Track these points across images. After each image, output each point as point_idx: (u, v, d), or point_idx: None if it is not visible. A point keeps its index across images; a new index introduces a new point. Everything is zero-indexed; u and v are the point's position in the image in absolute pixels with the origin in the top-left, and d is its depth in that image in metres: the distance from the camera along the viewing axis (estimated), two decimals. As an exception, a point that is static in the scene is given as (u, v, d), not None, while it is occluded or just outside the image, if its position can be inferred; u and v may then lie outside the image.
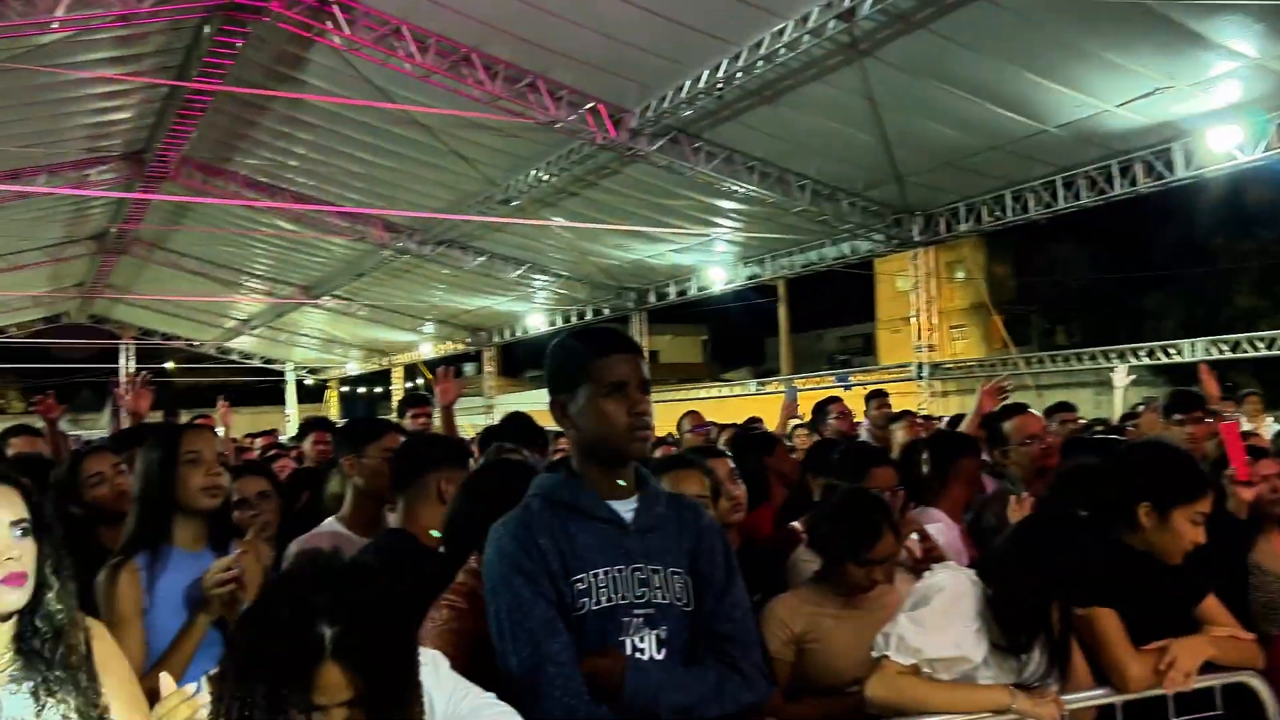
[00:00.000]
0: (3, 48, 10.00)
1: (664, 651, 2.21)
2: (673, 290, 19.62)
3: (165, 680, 1.67)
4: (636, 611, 2.20)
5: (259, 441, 9.04)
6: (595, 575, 2.19)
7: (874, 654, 2.67)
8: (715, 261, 18.00)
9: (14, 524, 1.99)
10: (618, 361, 2.23)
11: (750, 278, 18.03)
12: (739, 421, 7.84)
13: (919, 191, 13.51)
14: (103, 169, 15.61)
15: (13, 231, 18.19)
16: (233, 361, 33.51)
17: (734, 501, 3.59)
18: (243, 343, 31.84)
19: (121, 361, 31.00)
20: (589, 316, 21.66)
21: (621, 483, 2.28)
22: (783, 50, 9.72)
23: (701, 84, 10.67)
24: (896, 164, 12.35)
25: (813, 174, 13.13)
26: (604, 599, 2.19)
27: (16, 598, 1.97)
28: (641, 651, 2.19)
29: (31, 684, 1.98)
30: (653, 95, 11.34)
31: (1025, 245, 28.52)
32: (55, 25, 9.54)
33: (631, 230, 15.38)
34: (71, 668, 2.02)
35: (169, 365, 37.05)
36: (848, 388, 17.86)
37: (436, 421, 5.35)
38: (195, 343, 32.10)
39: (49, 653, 2.00)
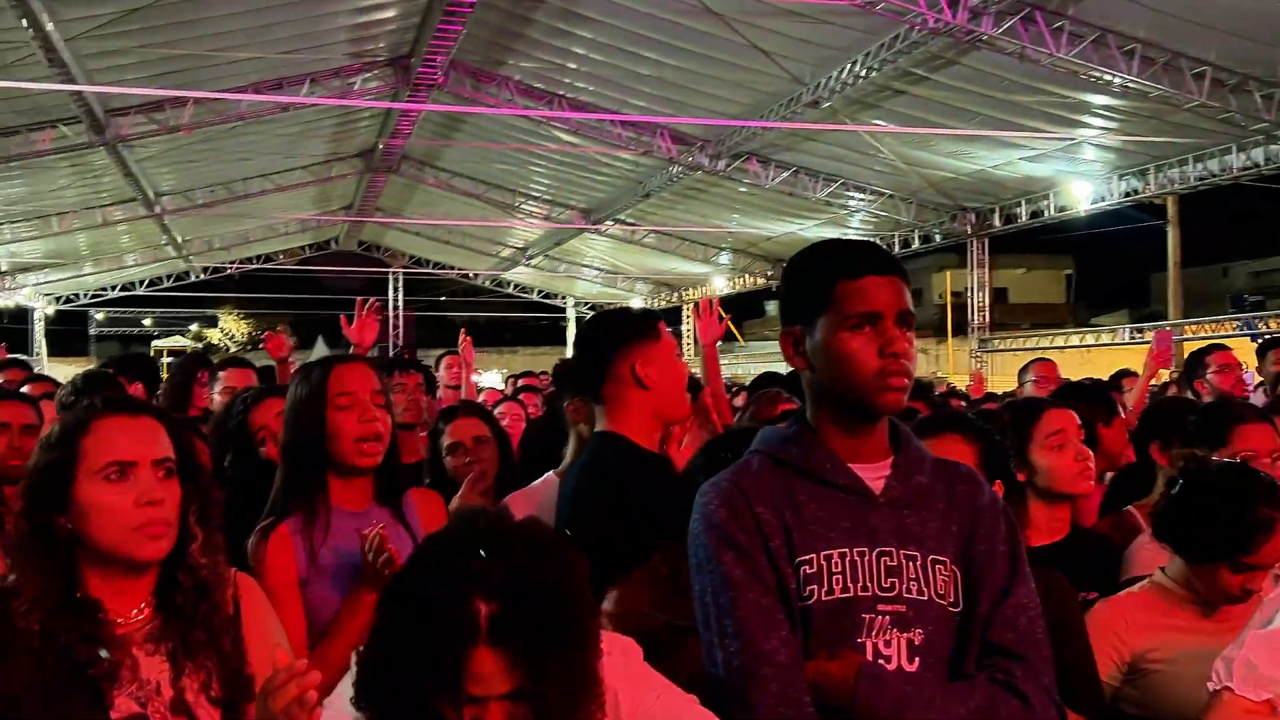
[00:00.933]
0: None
1: (916, 662, 2.02)
2: (1024, 211, 18.82)
3: (278, 656, 1.72)
4: (882, 608, 2.01)
5: (522, 382, 9.43)
6: (829, 557, 2.02)
7: (1211, 686, 2.37)
8: (1080, 174, 17.03)
9: (157, 463, 2.07)
10: (873, 285, 2.04)
11: (1127, 194, 16.92)
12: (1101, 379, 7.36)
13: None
14: (367, 76, 16.69)
15: (277, 148, 19.88)
16: (509, 295, 35.33)
17: (1083, 464, 3.26)
18: (520, 274, 33.46)
19: (389, 293, 33.37)
20: (915, 244, 21.12)
21: (870, 443, 2.10)
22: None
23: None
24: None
25: (1212, 57, 12.06)
26: (839, 588, 2.01)
27: (156, 549, 2.05)
28: (887, 660, 2.01)
29: (170, 645, 2.07)
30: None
31: None
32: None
33: (971, 135, 14.77)
34: (214, 629, 2.10)
35: (441, 299, 39.68)
36: (1256, 339, 16.42)
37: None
38: (469, 274, 34.06)
39: (190, 611, 2.08)
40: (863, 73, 13.45)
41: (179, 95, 14.32)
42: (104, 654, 1.99)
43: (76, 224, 22.30)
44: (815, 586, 2.01)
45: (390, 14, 15.03)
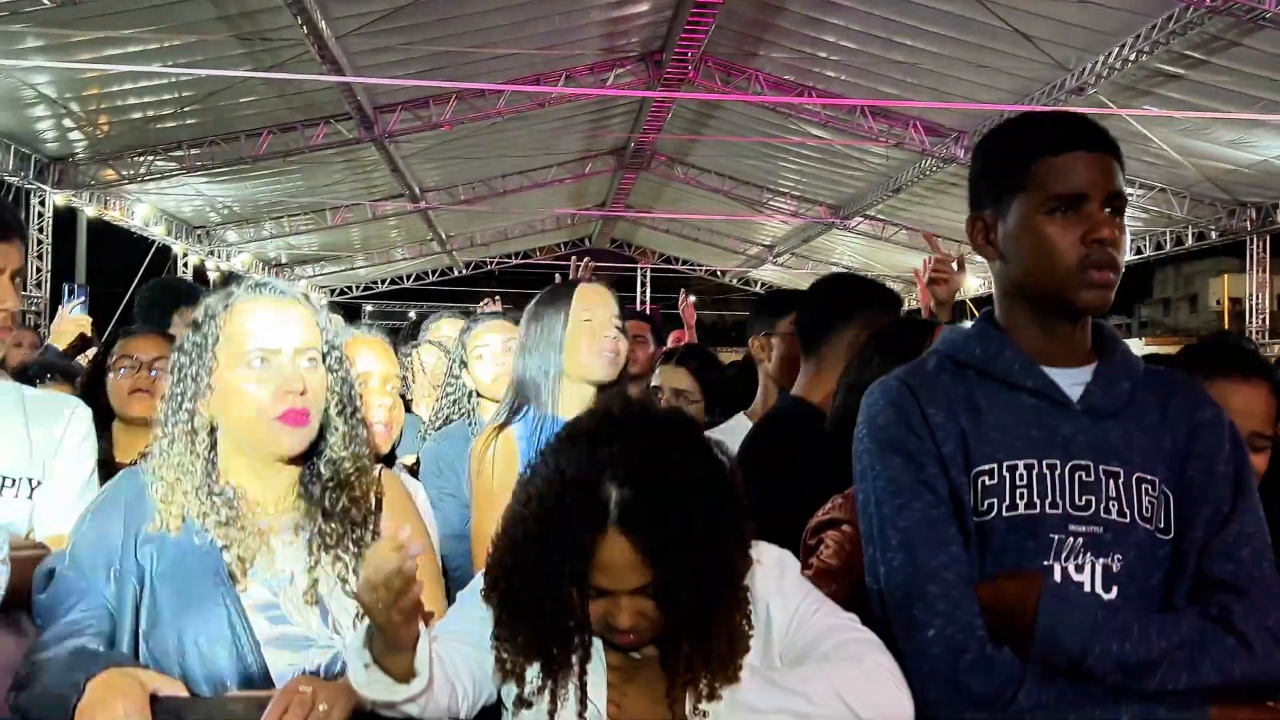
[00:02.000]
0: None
1: (1115, 591, 1.79)
2: (1312, 206, 17.39)
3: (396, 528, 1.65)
4: (1074, 528, 1.78)
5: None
6: (1012, 468, 1.80)
7: None
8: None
9: (300, 351, 2.03)
10: (1076, 163, 1.80)
11: None
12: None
13: None
14: (620, 72, 16.94)
15: (533, 145, 20.41)
16: (756, 294, 35.24)
17: None
18: (767, 273, 33.34)
19: (637, 289, 33.84)
20: (1189, 242, 19.90)
21: (1068, 344, 1.87)
22: None
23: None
24: None
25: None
26: (1023, 503, 1.79)
27: (296, 440, 2.02)
28: (1080, 586, 1.78)
29: (308, 536, 2.05)
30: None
31: None
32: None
33: (1254, 120, 13.73)
34: (354, 523, 2.07)
35: (691, 298, 39.94)
36: None
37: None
38: (716, 272, 34.16)
39: (329, 503, 2.06)
40: (1132, 56, 12.70)
41: (441, 87, 14.78)
42: (239, 539, 1.99)
43: (350, 218, 23.50)
44: (995, 500, 1.80)
45: (643, 8, 15.20)
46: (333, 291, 34.02)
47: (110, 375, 3.29)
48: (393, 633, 1.57)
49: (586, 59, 16.56)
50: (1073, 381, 1.87)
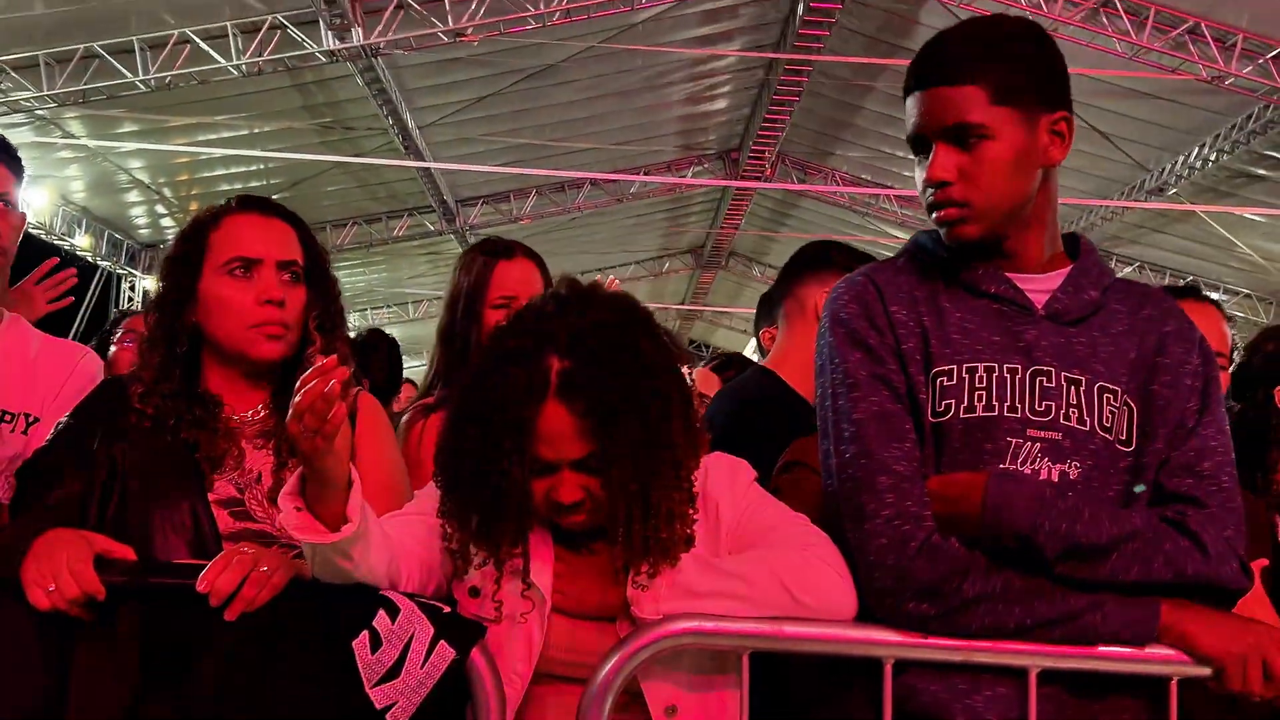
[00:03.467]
0: (598, 27, 11.42)
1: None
2: (1405, 315, 16.93)
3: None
4: (1033, 433, 1.77)
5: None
6: (972, 370, 1.79)
7: None
8: None
9: (282, 265, 2.11)
10: (915, 103, 1.84)
11: None
12: None
13: None
14: (698, 169, 17.17)
15: (611, 241, 20.67)
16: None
17: None
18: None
19: (716, 389, 33.82)
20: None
21: (1031, 251, 1.87)
22: None
23: None
24: None
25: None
26: (981, 405, 1.78)
27: (272, 349, 2.09)
28: None
29: (278, 441, 2.10)
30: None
31: None
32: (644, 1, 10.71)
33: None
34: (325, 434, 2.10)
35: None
36: None
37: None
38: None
39: None
40: (1213, 156, 12.60)
41: (522, 174, 15.08)
42: (211, 440, 2.05)
43: (431, 310, 23.87)
44: (953, 401, 1.79)
45: (721, 105, 15.45)
46: (415, 384, 34.50)
47: (114, 348, 3.41)
48: (320, 462, 1.59)
49: (665, 155, 16.81)
50: (1038, 287, 1.86)
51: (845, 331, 1.86)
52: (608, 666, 1.70)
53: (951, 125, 1.80)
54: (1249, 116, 11.72)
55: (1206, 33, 10.46)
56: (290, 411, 1.58)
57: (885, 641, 1.72)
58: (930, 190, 1.83)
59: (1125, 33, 10.49)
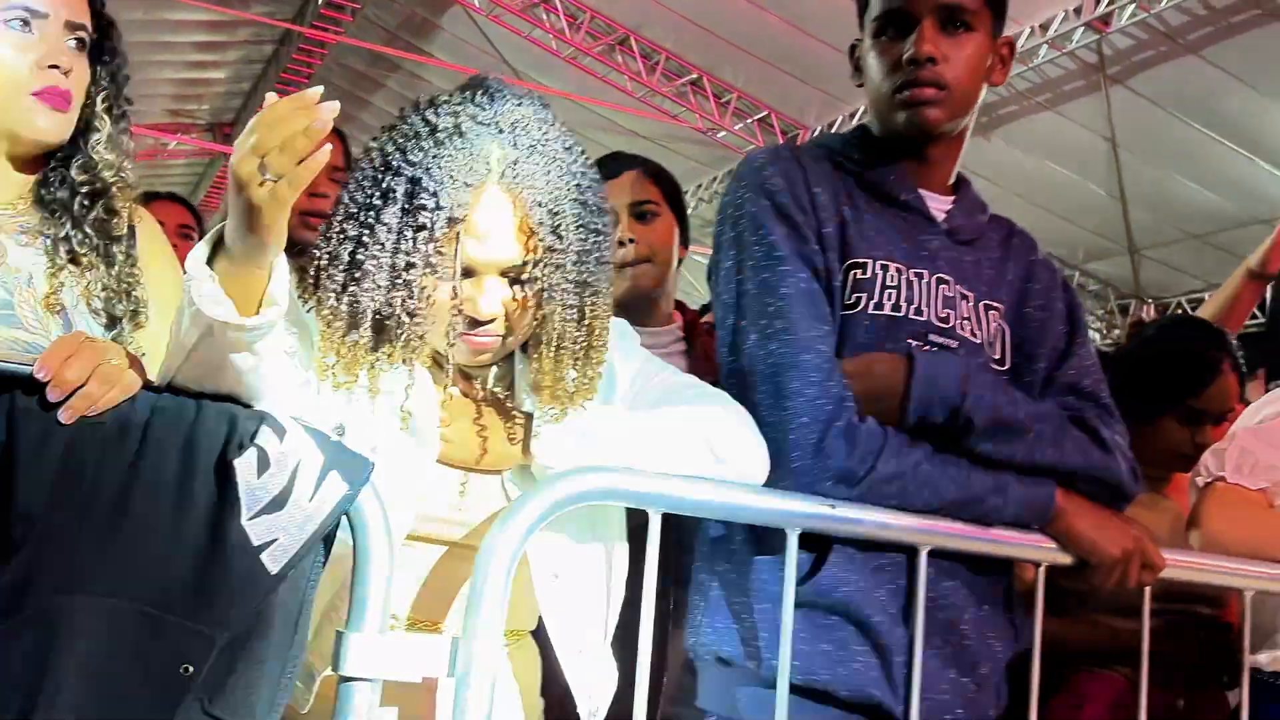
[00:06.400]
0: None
1: None
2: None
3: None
4: (933, 338, 1.82)
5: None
6: (884, 267, 1.81)
7: (1200, 480, 2.26)
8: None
9: (70, 26, 1.75)
10: None
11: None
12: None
13: (1156, 271, 12.93)
14: (184, 136, 16.09)
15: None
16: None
17: None
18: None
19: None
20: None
21: (935, 169, 1.92)
22: (1015, 65, 9.41)
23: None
24: (1133, 230, 11.84)
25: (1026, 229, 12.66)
26: (889, 303, 1.80)
27: (52, 123, 1.74)
28: None
29: (49, 240, 1.75)
30: (843, 109, 11.12)
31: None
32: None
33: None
34: (108, 237, 1.77)
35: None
36: None
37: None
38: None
39: (79, 209, 1.75)
40: (693, 205, 13.62)
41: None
42: None
43: None
44: (864, 295, 1.79)
45: (221, 74, 14.59)
46: None
47: None
48: (269, 218, 1.25)
49: (149, 118, 15.60)
50: (938, 206, 1.92)
51: (772, 205, 1.80)
52: (517, 521, 1.47)
53: (946, 4, 1.82)
54: (729, 172, 12.79)
55: (708, 86, 11.30)
56: (251, 143, 1.21)
57: (795, 508, 1.66)
58: (911, 68, 1.80)
59: (638, 74, 11.08)
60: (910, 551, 1.72)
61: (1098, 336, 14.30)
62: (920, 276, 1.84)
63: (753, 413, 1.69)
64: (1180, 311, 11.92)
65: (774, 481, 1.67)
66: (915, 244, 1.87)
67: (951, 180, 1.98)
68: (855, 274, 1.81)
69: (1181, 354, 2.71)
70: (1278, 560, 2.05)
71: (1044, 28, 9.08)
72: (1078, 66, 9.43)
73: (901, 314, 1.81)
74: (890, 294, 1.81)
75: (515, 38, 11.21)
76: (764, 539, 1.73)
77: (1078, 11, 8.84)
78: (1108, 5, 8.59)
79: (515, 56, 11.54)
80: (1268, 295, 3.57)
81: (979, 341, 1.87)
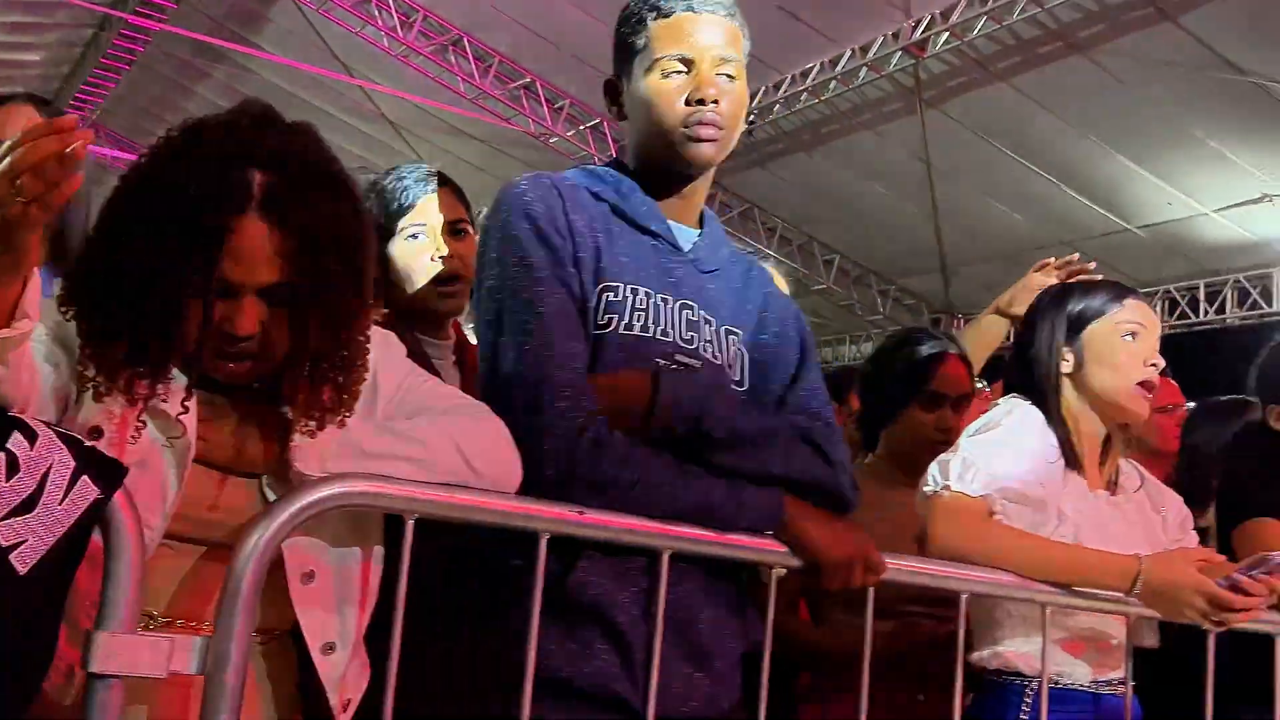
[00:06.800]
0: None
1: None
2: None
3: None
4: (679, 358, 1.96)
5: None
6: (635, 290, 1.95)
7: (928, 489, 2.40)
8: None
9: None
10: (687, 24, 1.96)
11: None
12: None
13: (967, 288, 13.47)
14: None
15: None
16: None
17: None
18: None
19: None
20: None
21: (684, 202, 2.07)
22: (834, 83, 9.75)
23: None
24: (945, 248, 12.34)
25: (842, 247, 13.09)
26: (639, 324, 1.94)
27: None
28: None
29: None
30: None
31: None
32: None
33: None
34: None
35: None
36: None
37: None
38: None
39: None
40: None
41: None
42: None
43: None
44: (615, 316, 1.91)
45: (36, 56, 14.03)
46: None
47: None
48: (20, 238, 1.28)
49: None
50: (684, 237, 2.06)
51: (532, 228, 1.91)
52: (272, 524, 1.52)
53: (726, 54, 1.98)
54: (561, 177, 12.85)
55: (541, 92, 11.37)
56: (4, 166, 1.22)
57: (545, 514, 1.76)
58: (699, 106, 1.93)
59: (470, 75, 11.08)
60: (653, 555, 1.85)
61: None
62: (667, 301, 1.98)
63: (509, 424, 1.77)
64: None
65: (527, 489, 1.77)
66: (664, 271, 2.00)
67: (699, 215, 2.12)
68: (608, 296, 1.93)
69: (908, 345, 3.06)
70: (993, 565, 2.23)
71: (864, 50, 9.38)
72: (896, 89, 9.78)
73: (649, 335, 1.94)
74: (640, 316, 1.94)
75: (346, 33, 11.08)
76: (519, 544, 1.81)
77: (896, 36, 9.16)
78: (924, 31, 8.92)
79: (346, 53, 11.43)
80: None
81: (720, 363, 2.01)
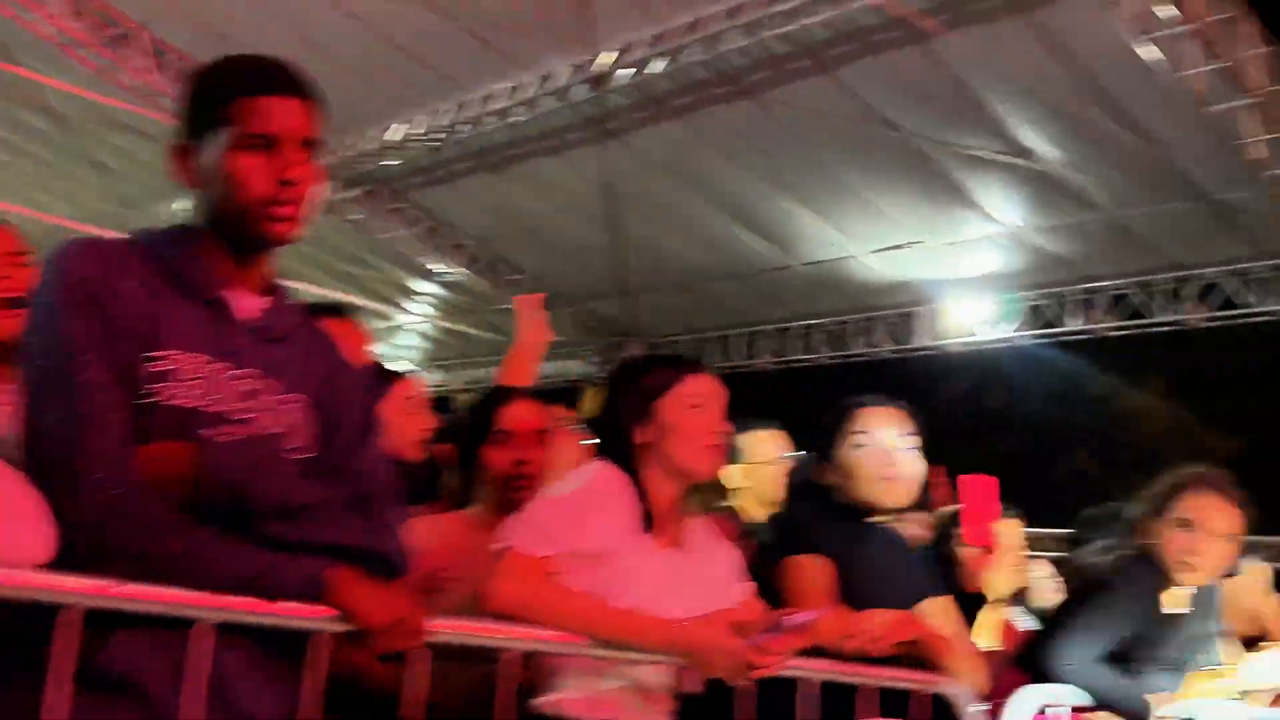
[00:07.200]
0: None
1: None
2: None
3: None
4: (227, 429, 1.97)
5: None
6: (184, 360, 1.95)
7: (494, 546, 2.54)
8: (400, 357, 17.68)
9: None
10: (275, 106, 1.99)
11: (434, 386, 17.77)
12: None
13: (646, 313, 13.91)
14: None
15: None
16: None
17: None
18: None
19: None
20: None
21: (254, 271, 2.09)
22: (519, 109, 9.89)
23: (417, 130, 10.65)
24: (628, 274, 12.69)
25: (530, 267, 13.26)
26: (187, 394, 1.94)
27: None
28: None
29: None
30: (356, 131, 11.15)
31: (751, 395, 29.60)
32: None
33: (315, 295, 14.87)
34: None
35: None
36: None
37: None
38: None
39: None
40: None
41: None
42: None
43: None
44: (162, 385, 1.91)
45: None
46: None
47: None
48: None
49: None
50: (251, 304, 2.07)
51: (78, 291, 1.90)
52: None
53: (309, 136, 2.01)
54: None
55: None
56: None
57: (77, 589, 1.73)
58: (286, 187, 1.96)
59: (147, 70, 10.57)
60: (188, 625, 1.83)
61: (593, 370, 15.24)
62: (222, 370, 1.99)
63: (46, 493, 1.77)
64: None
65: (60, 563, 1.76)
66: (221, 339, 2.01)
67: (270, 283, 2.14)
68: (150, 367, 1.92)
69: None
70: (545, 624, 2.39)
71: (547, 79, 9.55)
72: (579, 118, 10.01)
73: (198, 404, 1.95)
74: (189, 386, 1.94)
75: (6, 19, 10.38)
76: (45, 616, 1.77)
77: (580, 68, 9.37)
78: (606, 65, 9.17)
79: (10, 38, 10.69)
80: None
81: (276, 431, 2.03)
